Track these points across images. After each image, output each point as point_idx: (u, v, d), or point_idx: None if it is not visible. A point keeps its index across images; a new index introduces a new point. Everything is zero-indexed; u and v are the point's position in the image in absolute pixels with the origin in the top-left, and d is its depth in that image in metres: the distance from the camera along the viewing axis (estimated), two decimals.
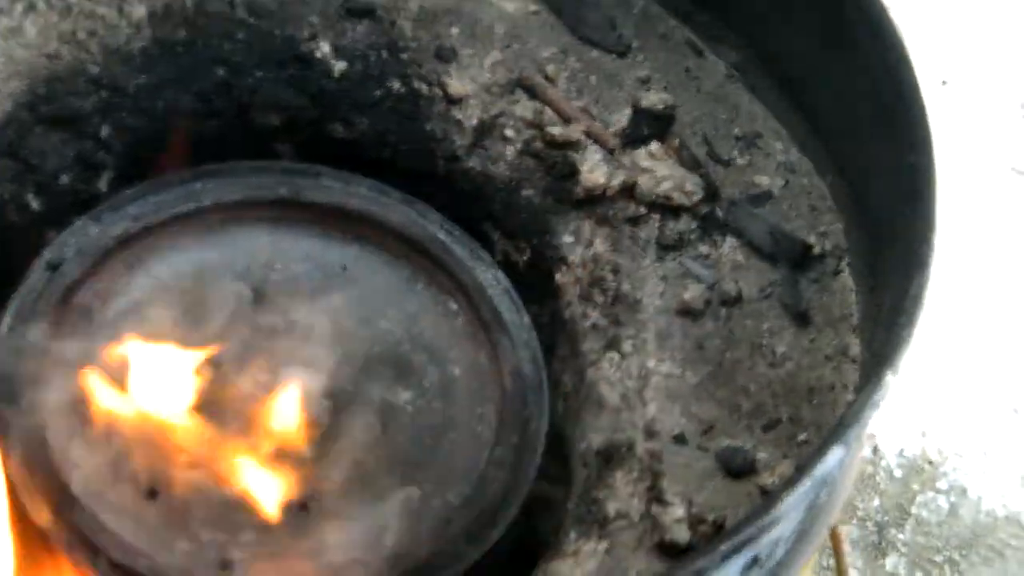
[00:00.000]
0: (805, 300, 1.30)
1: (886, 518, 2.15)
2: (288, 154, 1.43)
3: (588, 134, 1.39)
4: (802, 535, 1.07)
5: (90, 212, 1.33)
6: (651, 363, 1.27)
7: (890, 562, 2.11)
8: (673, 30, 1.46)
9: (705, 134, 1.40)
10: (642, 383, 1.26)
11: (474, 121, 1.40)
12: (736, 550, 0.96)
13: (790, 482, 0.98)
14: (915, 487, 2.18)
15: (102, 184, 1.38)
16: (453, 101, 1.40)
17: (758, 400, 1.25)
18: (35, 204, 1.36)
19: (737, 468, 1.21)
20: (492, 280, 1.35)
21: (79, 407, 1.23)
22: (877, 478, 2.19)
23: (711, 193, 1.36)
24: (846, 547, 2.07)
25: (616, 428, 1.25)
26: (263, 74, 1.41)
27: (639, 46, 1.45)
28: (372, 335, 1.32)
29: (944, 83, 2.63)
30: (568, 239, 1.36)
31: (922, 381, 2.26)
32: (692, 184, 1.35)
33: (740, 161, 1.39)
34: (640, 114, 1.39)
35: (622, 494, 1.21)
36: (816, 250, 1.32)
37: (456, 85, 1.40)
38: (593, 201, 1.36)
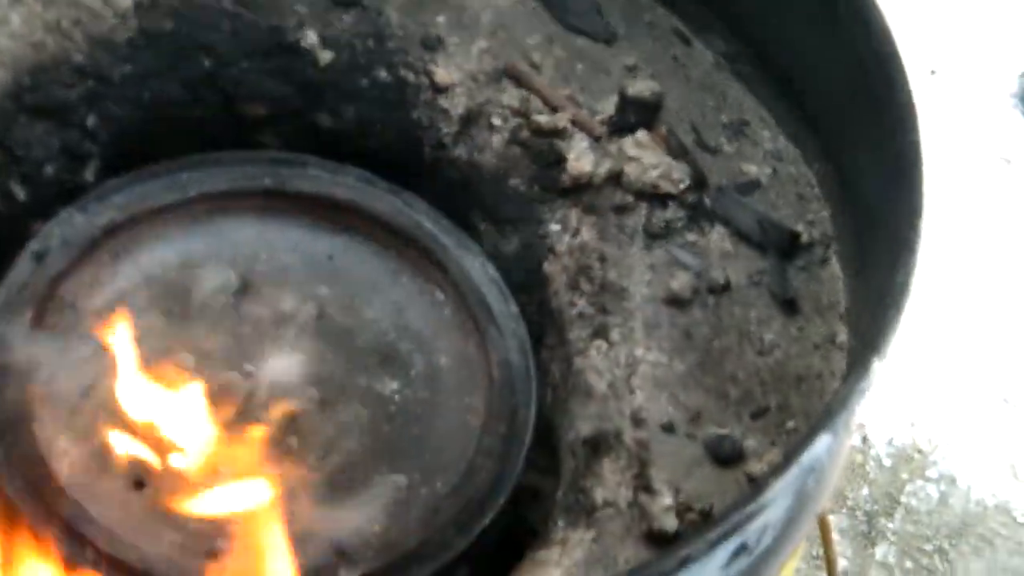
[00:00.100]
0: (793, 288, 1.30)
1: (876, 507, 2.15)
2: (274, 144, 1.43)
3: (575, 122, 1.38)
4: (790, 522, 1.07)
5: (76, 202, 1.33)
6: (639, 351, 1.27)
7: (880, 551, 2.11)
8: (660, 18, 1.46)
9: (692, 122, 1.40)
10: (630, 372, 1.26)
11: (461, 110, 1.39)
12: (723, 537, 0.96)
13: (777, 469, 0.98)
14: (904, 476, 2.19)
15: (88, 174, 1.38)
16: (440, 90, 1.40)
17: (746, 388, 1.25)
18: (20, 194, 1.36)
19: (725, 456, 1.21)
20: (479, 269, 1.35)
21: (65, 398, 1.23)
22: (867, 467, 2.19)
23: (699, 181, 1.36)
24: (836, 536, 2.07)
25: (604, 417, 1.25)
26: (249, 64, 1.41)
27: (626, 34, 1.45)
28: (359, 325, 1.32)
29: (933, 72, 2.63)
30: (555, 228, 1.36)
31: (912, 371, 2.26)
32: (679, 172, 1.35)
33: (728, 149, 1.38)
34: (627, 102, 1.39)
35: (610, 483, 1.21)
36: (804, 238, 1.32)
37: (443, 74, 1.40)
38: (580, 189, 1.36)
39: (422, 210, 1.37)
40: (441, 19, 1.43)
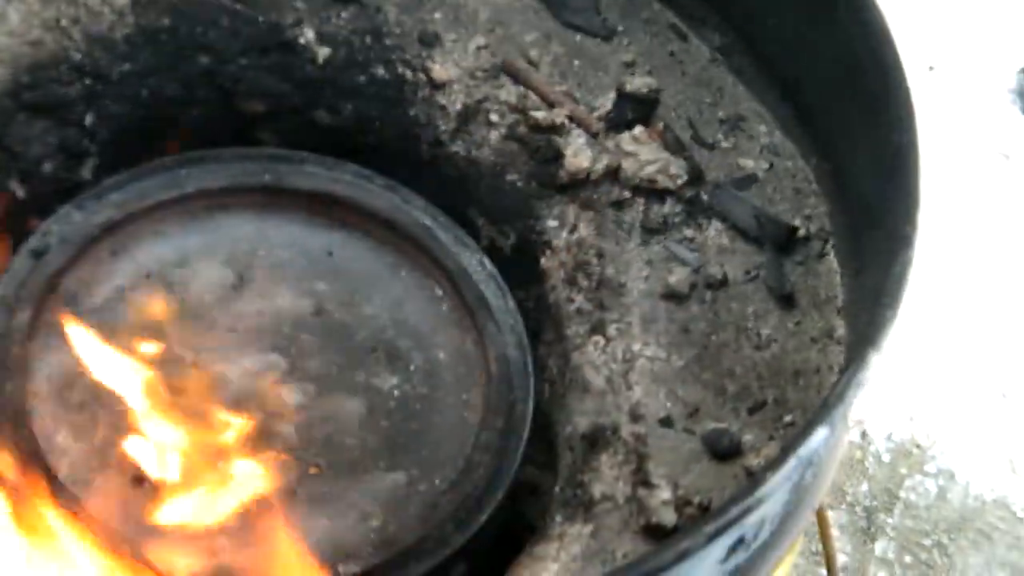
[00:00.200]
0: (790, 283, 1.30)
1: (875, 503, 2.15)
2: (272, 141, 1.43)
3: (572, 118, 1.38)
4: (788, 516, 1.07)
5: (74, 199, 1.33)
6: (636, 346, 1.27)
7: (879, 546, 2.11)
8: (657, 14, 1.46)
9: (689, 117, 1.40)
10: (627, 367, 1.26)
11: (458, 106, 1.40)
12: (721, 530, 0.96)
13: (775, 462, 0.98)
14: (903, 471, 2.19)
15: (86, 171, 1.38)
16: (437, 86, 1.40)
17: (744, 383, 1.25)
18: (19, 191, 1.36)
19: (723, 450, 1.21)
20: (477, 265, 1.35)
21: (65, 394, 1.23)
22: (866, 463, 2.19)
23: (696, 176, 1.36)
24: (835, 532, 2.07)
25: (601, 412, 1.25)
26: (247, 61, 1.41)
27: (623, 30, 1.45)
28: (357, 321, 1.32)
29: (931, 68, 2.63)
30: (552, 223, 1.36)
31: (910, 366, 2.26)
32: (676, 167, 1.35)
33: (724, 144, 1.39)
34: (624, 98, 1.39)
35: (607, 477, 1.21)
36: (801, 233, 1.33)
37: (440, 70, 1.40)
38: (577, 185, 1.36)
39: (420, 206, 1.37)
40: (438, 16, 1.43)
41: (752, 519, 0.99)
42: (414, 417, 1.28)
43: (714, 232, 1.34)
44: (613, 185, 1.36)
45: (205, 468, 1.21)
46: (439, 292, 1.35)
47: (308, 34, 1.41)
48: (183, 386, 1.24)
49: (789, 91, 1.38)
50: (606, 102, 1.40)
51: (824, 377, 1.24)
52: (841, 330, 1.26)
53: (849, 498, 2.16)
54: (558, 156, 1.36)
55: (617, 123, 1.38)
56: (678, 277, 1.30)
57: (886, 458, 2.20)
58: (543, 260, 1.36)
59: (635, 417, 1.23)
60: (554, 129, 1.37)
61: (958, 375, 2.28)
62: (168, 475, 1.21)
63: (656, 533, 1.17)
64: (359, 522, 1.22)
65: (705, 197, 1.35)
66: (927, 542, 2.12)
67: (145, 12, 1.39)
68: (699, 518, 1.17)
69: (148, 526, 1.19)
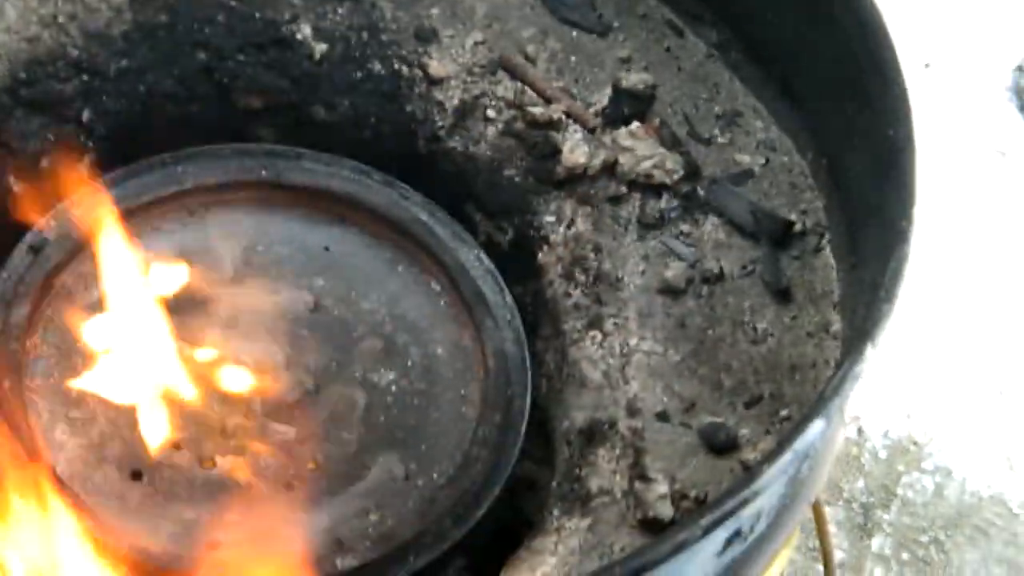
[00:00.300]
0: (786, 277, 1.31)
1: (871, 499, 2.16)
2: (270, 137, 1.43)
3: (569, 114, 1.39)
4: (784, 509, 1.07)
5: (71, 196, 1.33)
6: (633, 341, 1.27)
7: (876, 543, 2.12)
8: (653, 10, 1.46)
9: (685, 113, 1.40)
10: (624, 361, 1.26)
11: (455, 102, 1.40)
12: (718, 523, 0.96)
13: (771, 455, 0.98)
14: (900, 468, 2.19)
15: (83, 168, 1.38)
16: (434, 82, 1.40)
17: (740, 377, 1.26)
18: (16, 187, 1.36)
19: (720, 444, 1.21)
20: (475, 260, 1.35)
21: (62, 389, 1.23)
22: (862, 459, 2.19)
23: (692, 172, 1.36)
24: (832, 528, 2.07)
25: (598, 406, 1.25)
26: (244, 57, 1.41)
27: (619, 26, 1.45)
28: (355, 316, 1.33)
29: (927, 66, 2.63)
30: (550, 219, 1.36)
31: (907, 363, 2.26)
32: (673, 163, 1.36)
33: (721, 140, 1.39)
34: (621, 94, 1.40)
35: (605, 471, 1.21)
36: (797, 227, 1.33)
37: (437, 66, 1.40)
38: (574, 181, 1.36)
39: (417, 202, 1.37)
40: (435, 11, 1.44)
41: (748, 512, 0.99)
42: (412, 412, 1.28)
43: (710, 227, 1.34)
44: (610, 180, 1.36)
45: (202, 463, 1.21)
46: (437, 287, 1.35)
47: (305, 30, 1.41)
48: (180, 381, 1.24)
49: (785, 87, 1.38)
50: (602, 98, 1.40)
51: (820, 371, 1.24)
52: (837, 325, 1.26)
53: (846, 495, 2.16)
54: (555, 152, 1.37)
55: (613, 119, 1.39)
56: (675, 272, 1.31)
57: (883, 455, 2.20)
58: (540, 255, 1.36)
59: (632, 411, 1.23)
60: (551, 125, 1.38)
61: (955, 372, 2.28)
62: (165, 470, 1.21)
63: (653, 527, 1.17)
64: (357, 516, 1.22)
65: (701, 192, 1.36)
66: (924, 538, 2.12)
67: (142, 8, 1.39)
68: (696, 511, 1.17)
69: (145, 521, 1.19)
